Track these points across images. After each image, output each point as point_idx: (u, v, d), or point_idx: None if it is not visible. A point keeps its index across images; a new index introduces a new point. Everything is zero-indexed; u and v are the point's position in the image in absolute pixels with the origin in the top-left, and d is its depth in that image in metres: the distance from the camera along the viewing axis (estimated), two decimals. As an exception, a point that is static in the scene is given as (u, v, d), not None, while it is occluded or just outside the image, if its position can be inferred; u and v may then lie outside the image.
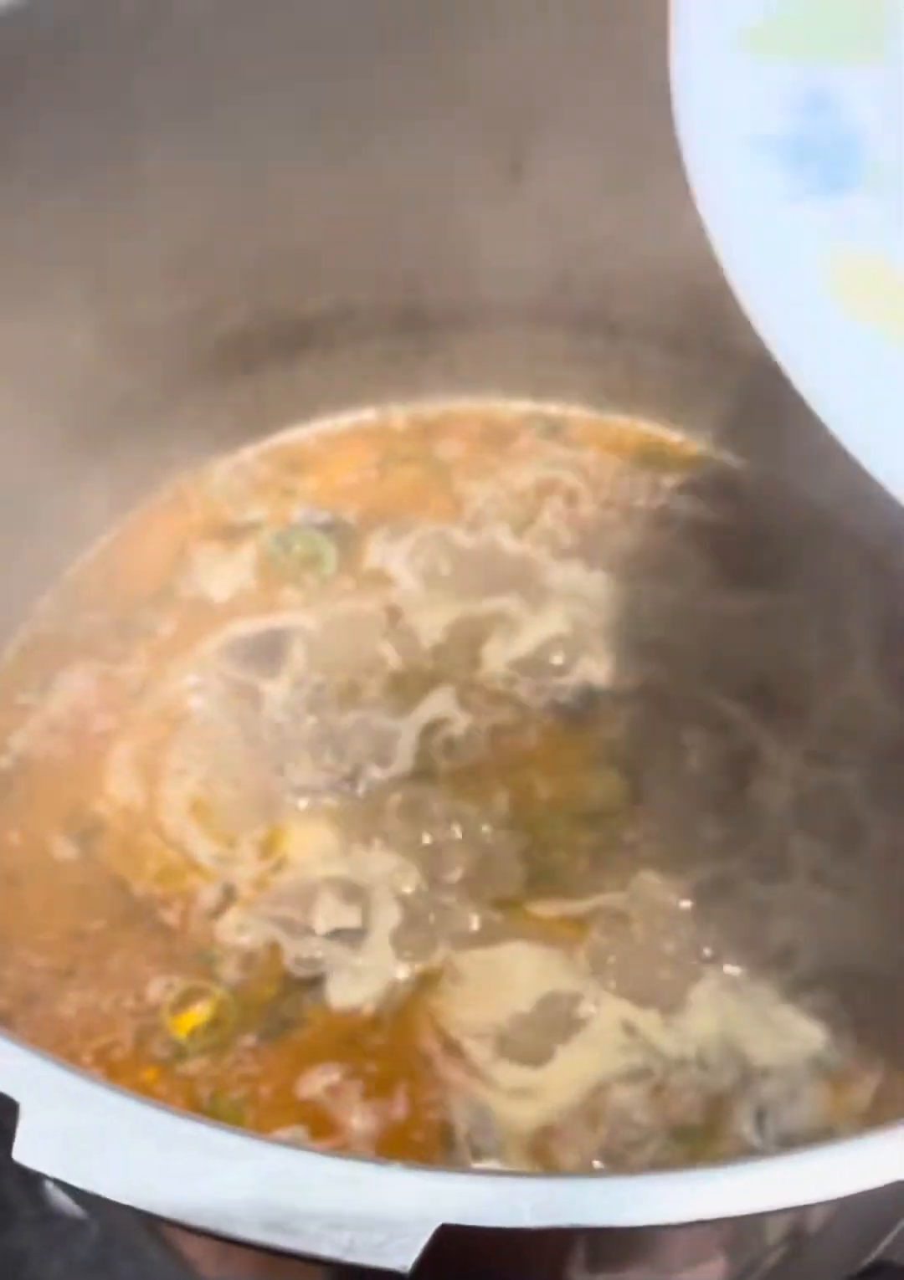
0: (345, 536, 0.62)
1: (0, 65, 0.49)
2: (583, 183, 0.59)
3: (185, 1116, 0.28)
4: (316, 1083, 0.48)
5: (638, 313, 0.64)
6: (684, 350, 0.64)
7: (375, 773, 0.55)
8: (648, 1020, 0.49)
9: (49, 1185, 0.51)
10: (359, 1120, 0.48)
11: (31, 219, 0.52)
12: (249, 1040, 0.49)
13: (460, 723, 0.56)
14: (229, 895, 0.52)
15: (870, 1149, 0.28)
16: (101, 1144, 0.27)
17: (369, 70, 0.55)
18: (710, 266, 0.59)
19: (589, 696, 0.57)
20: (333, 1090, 0.48)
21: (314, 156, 0.57)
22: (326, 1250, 0.27)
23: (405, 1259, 0.27)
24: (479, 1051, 0.49)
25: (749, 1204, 0.27)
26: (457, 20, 0.54)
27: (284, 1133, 0.47)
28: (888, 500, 0.34)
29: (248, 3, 0.52)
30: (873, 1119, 0.48)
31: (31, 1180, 0.51)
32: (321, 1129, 0.47)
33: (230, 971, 0.50)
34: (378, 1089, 0.48)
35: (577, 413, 0.67)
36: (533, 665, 0.58)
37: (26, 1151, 0.27)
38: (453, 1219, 0.27)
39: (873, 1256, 0.46)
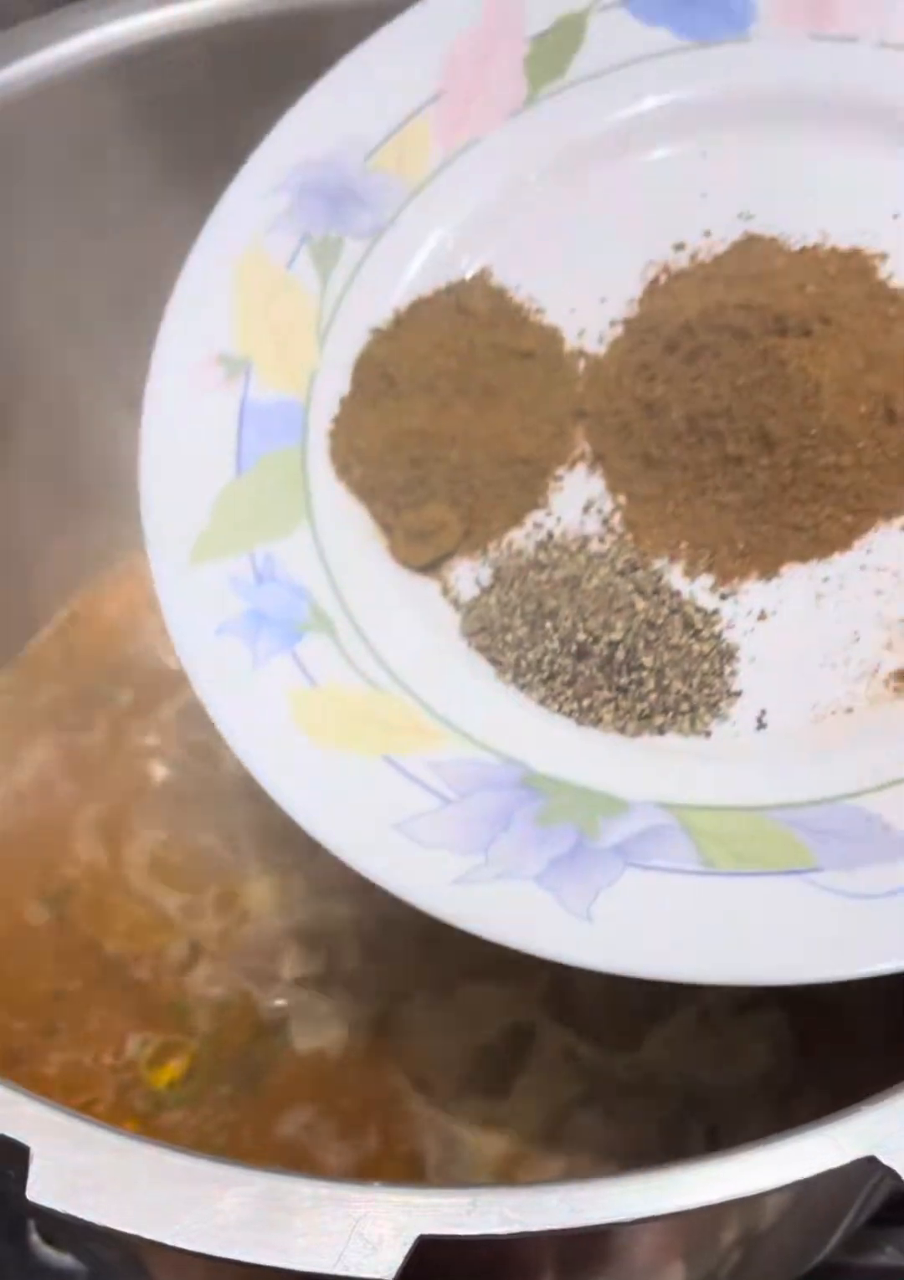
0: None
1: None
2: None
3: (181, 1152, 0.31)
4: (292, 1124, 0.51)
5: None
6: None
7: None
8: (601, 1048, 0.52)
9: (35, 1239, 0.53)
10: (335, 1157, 0.50)
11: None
12: (225, 1089, 0.51)
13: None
14: (197, 949, 0.54)
15: (802, 1144, 0.31)
16: (107, 1181, 0.30)
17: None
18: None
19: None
20: (308, 1129, 0.50)
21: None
22: (316, 1265, 0.29)
23: (388, 1270, 0.29)
24: (444, 1085, 0.51)
25: (701, 1198, 0.30)
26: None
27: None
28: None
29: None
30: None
31: (17, 1235, 0.53)
32: (300, 1167, 0.49)
33: (203, 1023, 0.53)
34: (351, 1126, 0.51)
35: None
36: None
37: (39, 1191, 0.29)
38: (430, 1230, 0.30)
39: (821, 1257, 0.48)
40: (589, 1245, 0.36)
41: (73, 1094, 0.51)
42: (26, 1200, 0.30)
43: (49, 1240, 0.52)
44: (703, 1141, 0.50)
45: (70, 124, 0.55)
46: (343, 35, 0.50)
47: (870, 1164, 0.30)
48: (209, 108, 0.55)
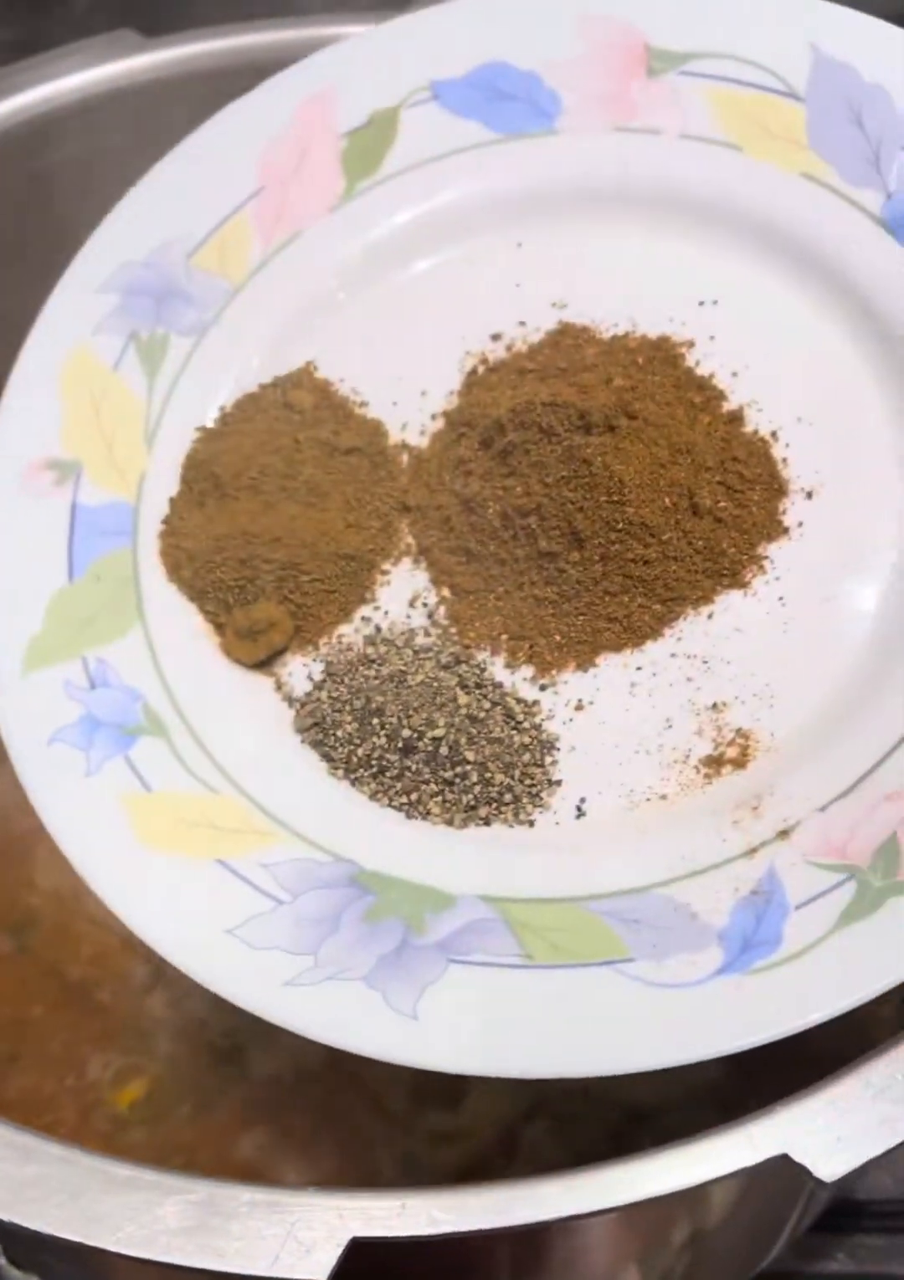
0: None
1: None
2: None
3: (125, 1163, 0.32)
4: (250, 1145, 0.52)
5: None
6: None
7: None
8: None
9: (2, 1262, 0.54)
10: (294, 1176, 0.51)
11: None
12: (184, 1109, 0.52)
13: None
14: (157, 973, 0.55)
15: (718, 1143, 0.32)
16: (52, 1191, 0.31)
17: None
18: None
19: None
20: (265, 1150, 0.51)
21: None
22: (252, 1268, 0.30)
23: (321, 1271, 0.30)
24: (397, 1104, 0.52)
25: (619, 1197, 0.31)
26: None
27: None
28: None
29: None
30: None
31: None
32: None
33: (163, 1045, 0.54)
34: (307, 1147, 0.52)
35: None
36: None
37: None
38: (362, 1232, 0.31)
39: (769, 1260, 0.50)
40: (530, 1246, 0.37)
41: (35, 1116, 0.52)
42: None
43: (15, 1262, 0.53)
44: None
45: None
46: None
47: (784, 1161, 0.32)
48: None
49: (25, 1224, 0.30)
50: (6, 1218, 0.30)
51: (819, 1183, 0.32)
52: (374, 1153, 0.51)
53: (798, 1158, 0.32)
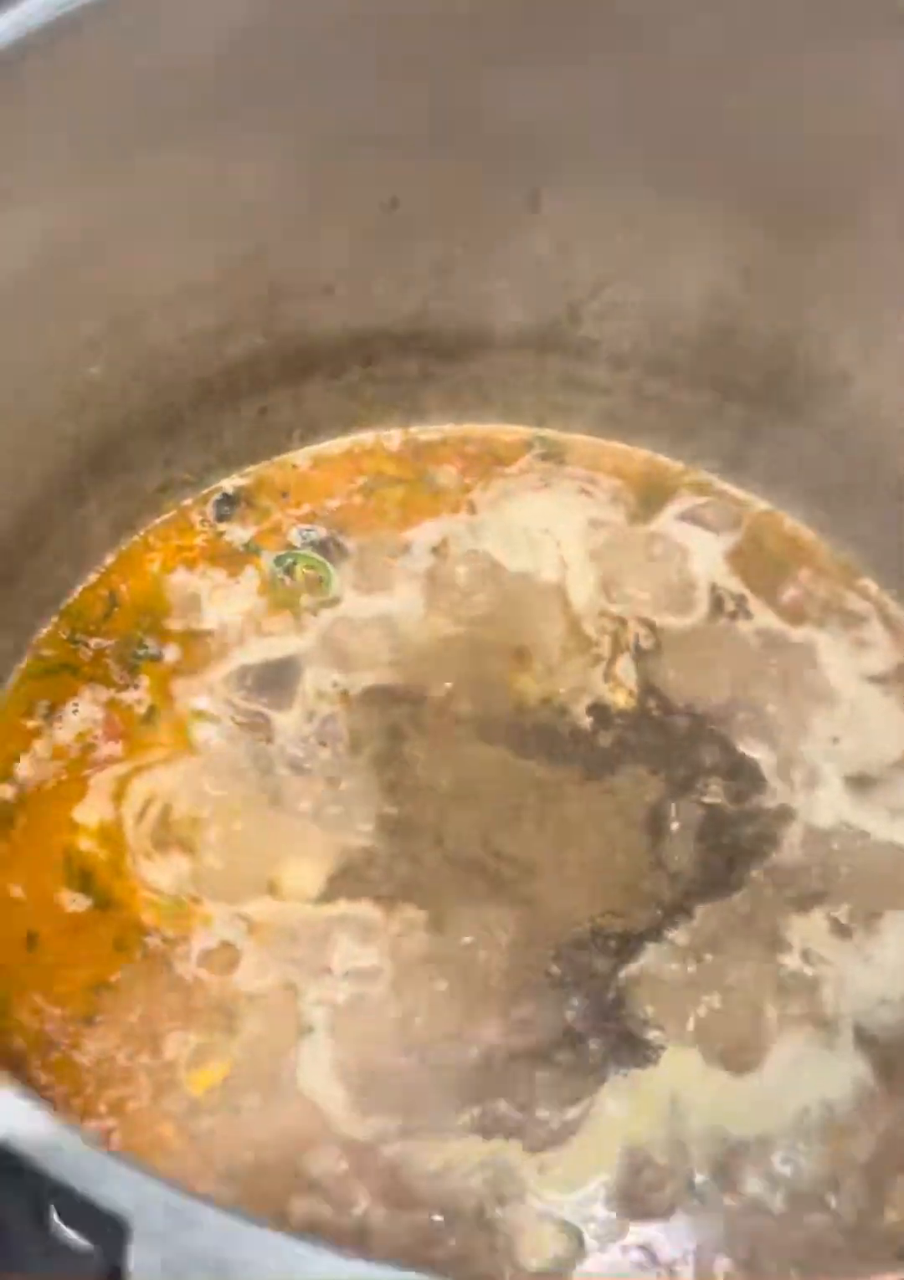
0: (344, 556, 0.61)
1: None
2: (598, 216, 0.59)
3: (285, 1235, 0.28)
4: (319, 1163, 0.48)
5: (644, 345, 0.63)
6: (689, 382, 0.64)
7: (390, 806, 0.55)
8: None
9: (56, 1218, 0.50)
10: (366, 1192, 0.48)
11: (49, 242, 0.51)
12: (255, 1101, 0.49)
13: (474, 759, 0.56)
14: (244, 935, 0.51)
15: None
16: (211, 1265, 0.27)
17: (384, 99, 0.54)
18: (718, 303, 0.60)
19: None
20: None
21: (328, 185, 0.56)
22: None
23: None
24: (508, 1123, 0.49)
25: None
26: (478, 55, 0.53)
27: (302, 1201, 0.47)
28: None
29: (253, 38, 0.50)
30: (873, 1171, 0.50)
31: (38, 1213, 0.51)
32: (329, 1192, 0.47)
33: (246, 1024, 0.50)
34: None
35: (578, 438, 0.66)
36: (548, 704, 0.58)
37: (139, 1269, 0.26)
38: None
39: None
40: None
41: (107, 1087, 0.48)
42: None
43: (69, 1223, 0.50)
44: (763, 1183, 0.49)
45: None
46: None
47: None
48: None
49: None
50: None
51: None
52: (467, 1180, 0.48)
53: None
